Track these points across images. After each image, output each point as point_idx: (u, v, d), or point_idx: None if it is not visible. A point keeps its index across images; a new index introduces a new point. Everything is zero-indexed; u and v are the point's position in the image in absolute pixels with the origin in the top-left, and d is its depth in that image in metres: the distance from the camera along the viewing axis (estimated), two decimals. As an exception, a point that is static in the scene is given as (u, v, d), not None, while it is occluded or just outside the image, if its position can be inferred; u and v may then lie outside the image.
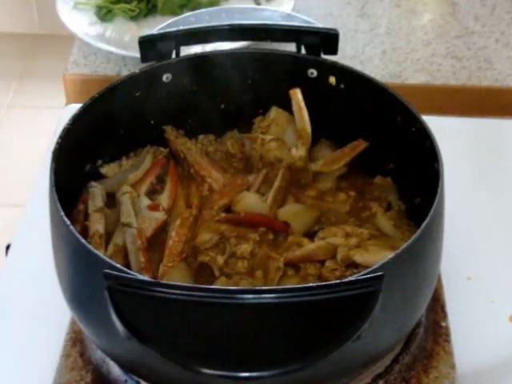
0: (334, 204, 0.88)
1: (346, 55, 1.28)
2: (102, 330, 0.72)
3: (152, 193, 0.89)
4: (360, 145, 0.91)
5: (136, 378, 0.78)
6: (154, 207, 0.85)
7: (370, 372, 0.79)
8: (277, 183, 0.89)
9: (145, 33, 0.89)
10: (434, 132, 0.79)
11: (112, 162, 0.91)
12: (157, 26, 0.90)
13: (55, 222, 0.74)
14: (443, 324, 0.86)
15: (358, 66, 0.94)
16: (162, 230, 0.84)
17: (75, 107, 0.82)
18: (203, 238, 0.82)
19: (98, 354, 0.81)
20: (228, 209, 0.88)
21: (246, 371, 0.58)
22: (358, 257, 0.79)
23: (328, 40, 0.88)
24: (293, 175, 0.90)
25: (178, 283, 0.60)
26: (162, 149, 0.93)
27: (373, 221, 0.86)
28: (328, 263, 0.80)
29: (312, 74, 0.90)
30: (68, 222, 0.69)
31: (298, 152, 0.90)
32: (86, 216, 0.83)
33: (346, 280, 0.62)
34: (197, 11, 0.93)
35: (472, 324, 0.88)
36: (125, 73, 1.22)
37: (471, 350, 0.85)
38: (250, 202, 0.88)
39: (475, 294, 0.91)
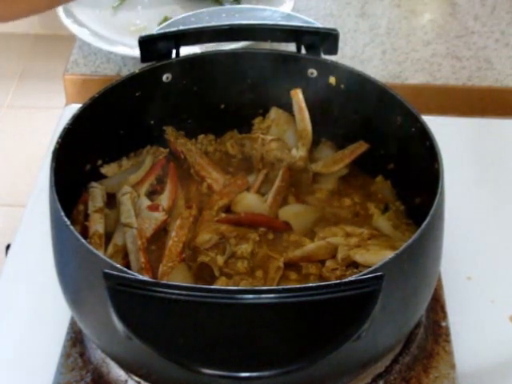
0: (339, 209, 0.88)
1: (346, 55, 1.28)
2: (102, 330, 0.72)
3: (152, 193, 0.89)
4: (360, 147, 0.91)
5: (136, 378, 0.78)
6: (153, 207, 0.85)
7: (370, 372, 0.79)
8: (277, 183, 0.89)
9: (145, 33, 0.89)
10: (434, 132, 0.79)
11: (112, 161, 0.91)
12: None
13: (55, 222, 0.74)
14: (443, 324, 0.86)
15: (358, 66, 0.94)
16: (162, 231, 0.84)
17: (75, 107, 0.82)
18: (203, 239, 0.82)
19: (98, 354, 0.81)
20: (228, 209, 0.88)
21: (246, 371, 0.58)
22: (359, 256, 0.79)
23: (328, 40, 0.88)
24: (293, 176, 0.90)
25: (178, 283, 0.60)
26: (162, 149, 0.93)
27: (371, 222, 0.86)
28: (328, 263, 0.80)
29: (312, 73, 0.90)
30: (68, 222, 0.69)
31: (299, 152, 0.90)
32: (86, 216, 0.83)
33: (346, 280, 0.62)
34: (197, 11, 0.93)
35: (472, 324, 0.88)
36: (125, 73, 1.22)
37: (471, 350, 0.85)
38: (250, 202, 0.88)
39: (475, 294, 0.91)
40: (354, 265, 0.79)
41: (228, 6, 1.27)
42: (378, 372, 0.80)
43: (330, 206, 0.89)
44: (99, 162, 0.90)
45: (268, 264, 0.81)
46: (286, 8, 1.31)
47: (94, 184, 0.87)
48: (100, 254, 0.68)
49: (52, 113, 1.59)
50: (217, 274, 0.80)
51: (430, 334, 0.85)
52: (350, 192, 0.91)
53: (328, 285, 0.61)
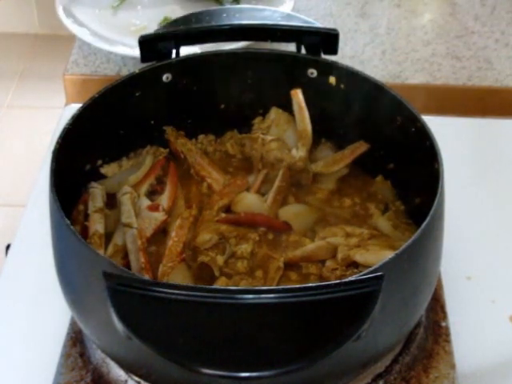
0: (339, 209, 0.88)
1: (346, 55, 1.28)
2: (102, 329, 0.72)
3: (152, 193, 0.89)
4: (360, 147, 0.91)
5: (136, 378, 0.78)
6: (153, 208, 0.85)
7: (370, 372, 0.79)
8: (277, 183, 0.89)
9: (145, 33, 0.89)
10: (434, 132, 0.79)
11: (112, 162, 0.91)
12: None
13: (55, 222, 0.74)
14: (443, 324, 0.86)
15: (358, 66, 0.94)
16: (162, 231, 0.84)
17: (75, 107, 0.82)
18: (203, 239, 0.82)
19: (98, 354, 0.81)
20: (228, 209, 0.88)
21: (246, 371, 0.58)
22: (359, 256, 0.79)
23: (328, 40, 0.89)
24: (293, 176, 0.90)
25: (178, 283, 0.60)
26: (161, 149, 0.93)
27: (371, 222, 0.86)
28: (328, 263, 0.80)
29: (312, 73, 0.90)
30: (68, 222, 0.69)
31: (299, 152, 0.90)
32: (86, 216, 0.83)
33: (346, 280, 0.62)
34: (197, 11, 0.93)
35: (472, 324, 0.88)
36: (125, 73, 1.22)
37: (471, 350, 0.85)
38: (250, 202, 0.88)
39: (475, 294, 0.91)
40: (354, 265, 0.79)
41: (228, 6, 1.27)
42: (377, 372, 0.80)
43: (330, 206, 0.89)
44: (99, 162, 0.90)
45: (268, 264, 0.81)
46: (286, 8, 1.31)
47: (94, 184, 0.87)
48: (100, 253, 0.68)
49: (52, 113, 1.59)
50: (217, 274, 0.80)
51: (430, 334, 0.85)
52: (350, 192, 0.91)
53: (328, 285, 0.61)
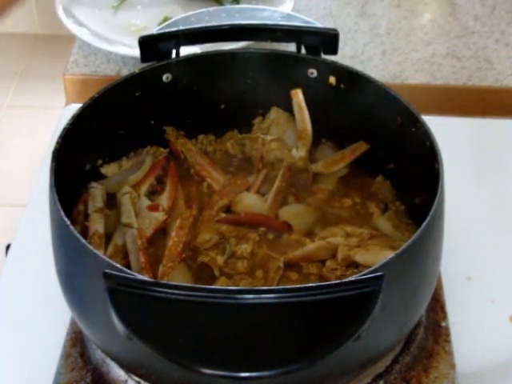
0: (339, 209, 0.88)
1: (346, 55, 1.28)
2: (102, 330, 0.72)
3: (152, 193, 0.89)
4: (361, 147, 0.91)
5: (136, 378, 0.78)
6: (153, 208, 0.85)
7: (370, 372, 0.79)
8: (277, 183, 0.89)
9: (145, 33, 0.89)
10: (434, 132, 0.79)
11: (112, 162, 0.91)
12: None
13: (55, 222, 0.74)
14: (443, 324, 0.86)
15: (358, 66, 0.94)
16: (162, 231, 0.84)
17: (75, 107, 0.82)
18: (203, 239, 0.82)
19: (98, 354, 0.81)
20: (228, 209, 0.88)
21: (246, 371, 0.58)
22: (359, 256, 0.79)
23: (328, 40, 0.89)
24: (293, 176, 0.90)
25: (178, 283, 0.60)
26: (162, 149, 0.93)
27: (371, 222, 0.86)
28: (328, 263, 0.80)
29: (312, 73, 0.90)
30: (68, 222, 0.69)
31: (299, 152, 0.90)
32: (86, 216, 0.83)
33: (346, 280, 0.62)
34: (197, 11, 0.93)
35: (472, 324, 0.88)
36: (125, 73, 1.22)
37: (471, 350, 0.85)
38: (250, 202, 0.88)
39: (475, 294, 0.91)
40: (354, 265, 0.79)
41: (228, 6, 1.27)
42: (377, 372, 0.80)
43: (330, 206, 0.89)
44: (99, 162, 0.90)
45: (268, 264, 0.81)
46: (286, 8, 1.31)
47: (94, 184, 0.87)
48: (100, 254, 0.68)
49: (52, 113, 1.58)
50: (217, 273, 0.80)
51: (430, 334, 0.85)
52: (350, 192, 0.91)
53: (328, 285, 0.61)
